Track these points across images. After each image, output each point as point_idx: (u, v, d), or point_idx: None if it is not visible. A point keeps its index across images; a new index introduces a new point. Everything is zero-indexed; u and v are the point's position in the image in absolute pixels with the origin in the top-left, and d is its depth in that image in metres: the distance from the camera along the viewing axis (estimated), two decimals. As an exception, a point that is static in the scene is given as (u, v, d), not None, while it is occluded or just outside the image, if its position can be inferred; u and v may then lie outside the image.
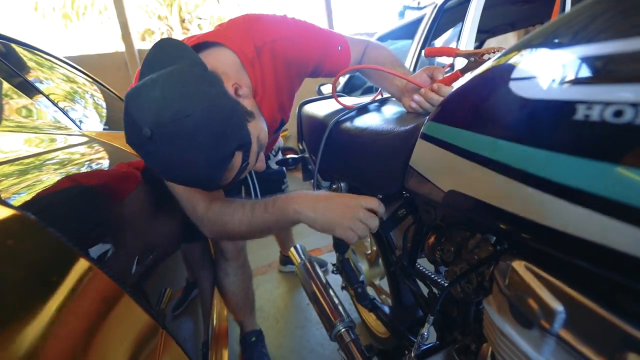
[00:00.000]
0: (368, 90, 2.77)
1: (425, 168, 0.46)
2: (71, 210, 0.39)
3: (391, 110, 0.71)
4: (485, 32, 2.58)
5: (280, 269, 1.79)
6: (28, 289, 0.25)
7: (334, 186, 0.82)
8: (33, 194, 0.35)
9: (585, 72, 0.27)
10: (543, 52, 0.31)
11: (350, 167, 0.69)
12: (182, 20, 9.72)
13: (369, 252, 1.07)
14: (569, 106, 0.27)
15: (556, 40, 0.31)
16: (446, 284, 0.50)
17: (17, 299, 0.23)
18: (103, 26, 6.94)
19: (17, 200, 0.32)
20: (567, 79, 0.28)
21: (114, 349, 0.30)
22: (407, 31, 2.28)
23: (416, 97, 0.62)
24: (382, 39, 2.51)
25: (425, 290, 0.65)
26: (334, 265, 1.00)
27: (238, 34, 0.68)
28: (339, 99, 0.86)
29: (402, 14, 2.47)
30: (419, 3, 2.61)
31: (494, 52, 0.57)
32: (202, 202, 0.68)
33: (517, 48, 0.35)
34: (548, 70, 0.30)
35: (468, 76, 0.41)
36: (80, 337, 0.26)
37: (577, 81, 0.27)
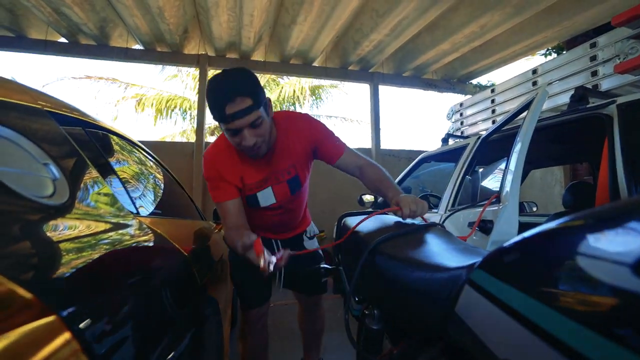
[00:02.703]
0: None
1: (474, 322, 0.40)
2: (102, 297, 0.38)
3: (437, 240, 0.68)
4: (531, 163, 2.62)
5: None
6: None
7: (366, 311, 0.75)
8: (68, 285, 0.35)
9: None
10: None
11: (387, 297, 0.63)
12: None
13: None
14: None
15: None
16: None
17: None
18: (183, 122, 8.18)
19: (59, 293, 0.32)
20: None
21: None
22: (450, 155, 2.38)
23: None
24: (426, 159, 2.63)
25: None
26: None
27: (280, 112, 1.20)
28: (380, 216, 0.85)
29: (445, 141, 2.62)
30: (462, 132, 2.79)
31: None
32: (233, 228, 1.09)
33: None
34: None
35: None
36: None
37: None
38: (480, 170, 2.20)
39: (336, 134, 1.21)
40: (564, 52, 3.90)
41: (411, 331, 0.56)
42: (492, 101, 2.81)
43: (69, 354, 0.29)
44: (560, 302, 0.29)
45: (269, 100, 1.07)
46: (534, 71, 2.47)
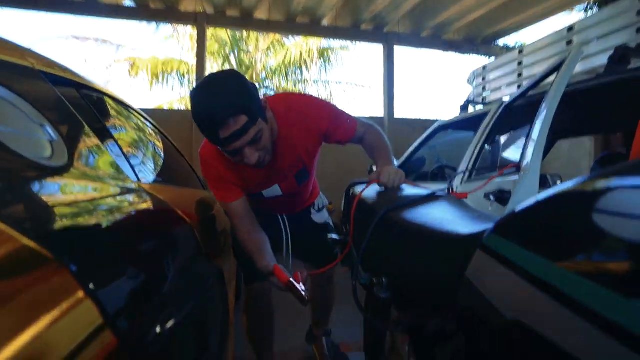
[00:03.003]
0: (422, 177, 2.77)
1: (485, 286, 0.41)
2: (109, 263, 0.40)
3: (450, 208, 0.68)
4: (555, 133, 2.56)
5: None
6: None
7: (374, 280, 0.77)
8: (79, 244, 0.37)
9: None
10: None
11: (397, 265, 0.65)
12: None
13: (405, 366, 0.95)
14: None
15: None
16: None
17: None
18: (181, 87, 8.12)
19: (56, 243, 0.34)
20: None
21: None
22: (469, 124, 2.34)
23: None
24: (442, 128, 2.59)
25: None
26: (361, 374, 0.89)
27: (277, 97, 1.15)
28: (410, 183, 0.86)
29: (464, 108, 2.57)
30: (484, 99, 2.72)
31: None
32: (244, 232, 1.16)
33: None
34: None
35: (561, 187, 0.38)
36: None
37: None
38: (502, 139, 2.16)
39: (345, 113, 1.17)
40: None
41: (421, 299, 0.58)
42: (519, 64, 2.71)
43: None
44: (577, 264, 0.30)
45: (265, 99, 1.01)
46: (570, 28, 2.35)
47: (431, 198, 0.79)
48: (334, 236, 1.11)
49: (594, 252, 0.30)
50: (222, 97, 0.90)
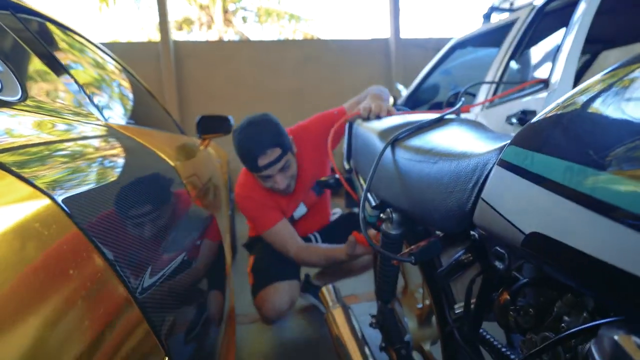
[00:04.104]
0: (437, 106, 2.76)
1: (501, 202, 0.45)
2: (98, 206, 0.43)
3: (463, 130, 0.70)
4: (599, 42, 2.48)
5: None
6: (36, 278, 0.28)
7: (383, 216, 0.82)
8: (67, 183, 0.40)
9: None
10: None
11: (407, 195, 0.69)
12: (225, 11, 10.49)
13: (420, 305, 1.04)
14: None
15: None
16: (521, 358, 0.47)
17: (22, 286, 0.26)
18: (138, 13, 7.69)
19: (49, 184, 0.36)
20: None
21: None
22: (492, 38, 2.27)
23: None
24: (460, 45, 2.52)
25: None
26: (373, 317, 0.98)
27: (294, 128, 1.65)
28: (399, 113, 0.87)
29: (487, 17, 2.47)
30: (511, 4, 2.60)
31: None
32: (291, 249, 1.49)
33: None
34: None
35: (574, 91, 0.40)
36: (78, 342, 0.29)
37: None
38: (533, 53, 2.10)
39: (330, 111, 1.63)
40: None
41: (433, 229, 0.62)
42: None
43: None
44: (611, 165, 0.32)
45: (293, 137, 1.53)
46: None
47: (442, 122, 0.81)
48: (336, 175, 1.15)
49: (624, 150, 0.32)
50: (263, 134, 1.38)
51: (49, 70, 0.74)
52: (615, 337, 0.32)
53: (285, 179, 1.45)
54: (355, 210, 1.89)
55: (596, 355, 0.34)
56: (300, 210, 1.68)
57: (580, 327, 0.39)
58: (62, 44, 1.07)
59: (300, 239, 1.54)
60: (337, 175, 1.17)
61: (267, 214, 1.51)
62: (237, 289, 1.80)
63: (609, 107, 0.35)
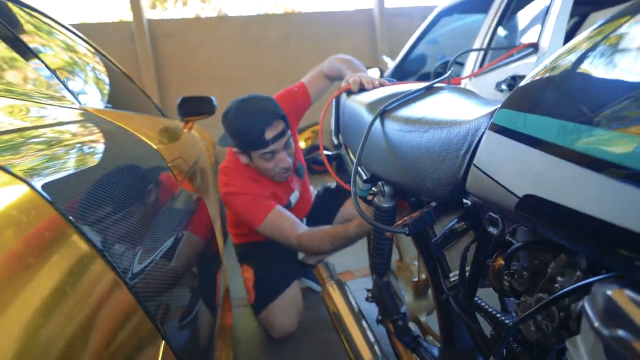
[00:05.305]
0: (424, 77, 2.74)
1: (494, 167, 0.45)
2: (81, 191, 0.42)
3: (453, 97, 0.70)
4: (587, 4, 2.47)
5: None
6: (19, 265, 0.27)
7: (374, 189, 0.82)
8: (46, 170, 0.39)
9: None
10: None
11: (398, 167, 0.69)
12: (201, -13, 10.14)
13: (416, 279, 1.06)
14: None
15: None
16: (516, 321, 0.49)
17: (14, 276, 0.26)
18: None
19: (26, 171, 0.36)
20: None
21: (108, 351, 0.32)
22: (479, 3, 2.24)
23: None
24: (446, 12, 2.49)
25: (487, 329, 0.64)
26: (369, 291, 1.00)
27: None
28: (391, 84, 0.86)
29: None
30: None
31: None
32: (293, 238, 1.37)
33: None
34: None
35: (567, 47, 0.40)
36: (72, 330, 0.29)
37: None
38: (523, 16, 2.09)
39: (292, 87, 1.59)
40: None
41: (426, 200, 0.63)
42: None
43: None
44: (607, 121, 0.33)
45: None
46: None
47: (431, 90, 0.81)
48: (327, 152, 1.15)
49: (616, 106, 0.33)
50: (266, 107, 1.33)
51: (15, 54, 0.71)
52: (609, 292, 0.33)
53: (289, 157, 1.41)
54: (330, 184, 1.87)
55: (590, 311, 0.36)
56: (295, 195, 1.64)
57: (574, 286, 0.40)
58: (27, 26, 1.02)
59: (301, 223, 1.45)
60: (328, 153, 1.17)
61: (261, 202, 1.40)
62: (229, 272, 1.82)
63: (599, 64, 0.35)
